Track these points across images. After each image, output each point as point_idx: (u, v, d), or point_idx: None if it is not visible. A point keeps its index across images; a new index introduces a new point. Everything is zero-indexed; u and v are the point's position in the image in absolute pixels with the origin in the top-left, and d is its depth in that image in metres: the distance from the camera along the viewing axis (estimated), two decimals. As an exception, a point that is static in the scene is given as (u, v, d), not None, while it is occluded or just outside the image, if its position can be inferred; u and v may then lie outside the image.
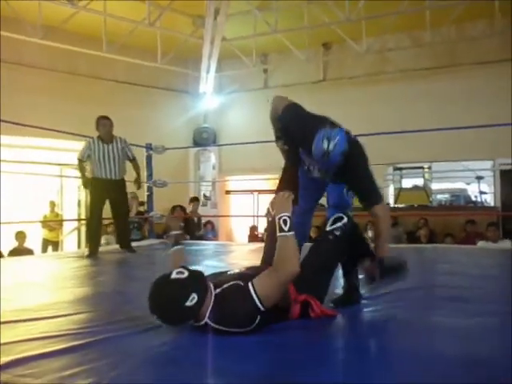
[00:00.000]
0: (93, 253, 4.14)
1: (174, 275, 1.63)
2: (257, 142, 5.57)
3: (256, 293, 1.63)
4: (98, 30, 6.85)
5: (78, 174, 4.45)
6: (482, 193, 8.31)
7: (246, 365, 1.43)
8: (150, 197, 5.29)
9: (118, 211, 4.36)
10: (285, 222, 1.73)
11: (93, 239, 4.30)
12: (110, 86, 7.83)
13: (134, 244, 5.01)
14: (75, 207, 7.94)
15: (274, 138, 2.33)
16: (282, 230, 1.73)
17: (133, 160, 4.45)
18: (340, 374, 1.39)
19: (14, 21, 6.23)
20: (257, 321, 1.65)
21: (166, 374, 1.39)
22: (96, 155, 4.20)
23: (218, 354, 1.49)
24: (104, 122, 4.25)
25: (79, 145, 4.75)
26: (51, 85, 7.10)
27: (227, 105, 9.16)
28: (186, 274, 1.64)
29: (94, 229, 4.33)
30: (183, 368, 1.41)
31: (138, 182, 4.50)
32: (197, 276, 1.67)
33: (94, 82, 7.59)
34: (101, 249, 4.35)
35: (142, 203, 5.74)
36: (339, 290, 2.24)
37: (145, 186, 5.25)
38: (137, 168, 4.50)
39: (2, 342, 1.60)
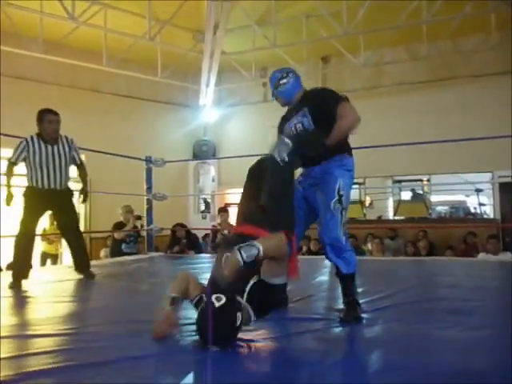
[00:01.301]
0: (17, 281, 3.15)
1: (216, 304, 1.65)
2: (256, 155, 5.56)
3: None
4: (99, 45, 6.94)
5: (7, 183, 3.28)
6: (481, 205, 8.32)
7: (240, 376, 1.42)
8: (149, 210, 5.28)
9: (67, 228, 3.48)
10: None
11: (20, 262, 3.27)
12: (110, 100, 7.89)
13: (127, 258, 4.86)
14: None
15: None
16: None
17: (80, 165, 3.51)
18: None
19: (16, 36, 6.30)
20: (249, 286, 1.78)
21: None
22: (34, 159, 3.25)
23: (213, 367, 1.49)
24: (50, 118, 3.29)
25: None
26: (53, 98, 7.13)
27: (227, 118, 9.21)
28: (224, 298, 1.67)
29: (22, 250, 3.28)
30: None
31: (84, 193, 3.52)
32: (232, 297, 1.72)
33: (95, 96, 7.65)
34: (100, 262, 4.17)
35: (138, 217, 5.66)
36: (341, 306, 2.21)
37: (144, 198, 5.25)
38: (84, 175, 3.54)
39: (-1, 356, 1.58)
